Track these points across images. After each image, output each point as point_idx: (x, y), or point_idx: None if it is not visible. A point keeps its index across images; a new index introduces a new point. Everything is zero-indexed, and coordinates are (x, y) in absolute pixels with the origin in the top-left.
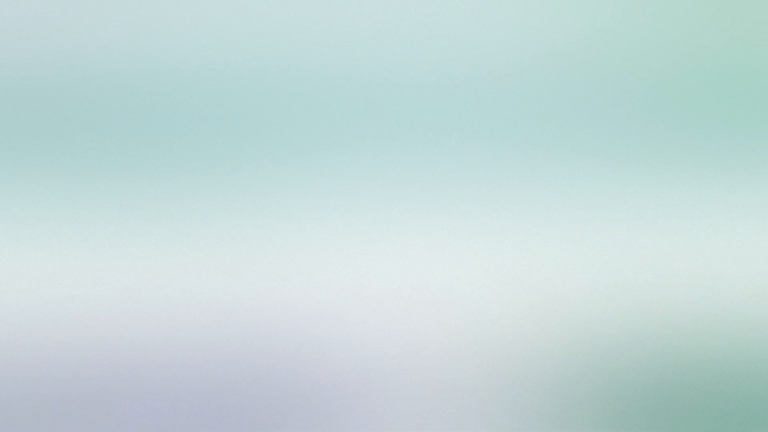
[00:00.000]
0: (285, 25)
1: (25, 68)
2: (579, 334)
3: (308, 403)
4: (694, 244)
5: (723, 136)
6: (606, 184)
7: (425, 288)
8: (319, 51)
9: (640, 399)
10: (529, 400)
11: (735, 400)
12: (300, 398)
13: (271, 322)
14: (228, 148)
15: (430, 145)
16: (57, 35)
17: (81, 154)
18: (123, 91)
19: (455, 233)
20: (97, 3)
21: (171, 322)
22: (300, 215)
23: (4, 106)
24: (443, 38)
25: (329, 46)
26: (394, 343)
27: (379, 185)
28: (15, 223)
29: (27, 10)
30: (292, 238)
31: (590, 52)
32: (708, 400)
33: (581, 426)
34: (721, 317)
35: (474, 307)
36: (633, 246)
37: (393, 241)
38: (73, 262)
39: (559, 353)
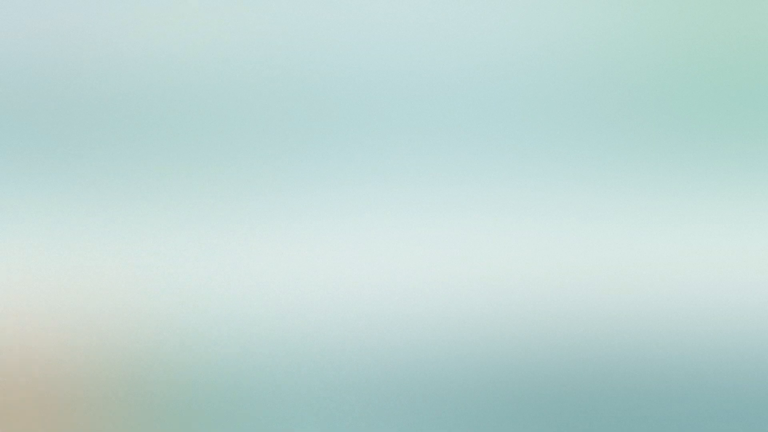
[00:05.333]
0: (285, 26)
1: (25, 68)
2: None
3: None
4: (692, 246)
5: (723, 138)
6: (605, 184)
7: (422, 287)
8: (319, 52)
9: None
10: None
11: (735, 401)
12: (298, 397)
13: (269, 320)
14: (228, 149)
15: (429, 146)
16: (57, 35)
17: (81, 154)
18: (123, 91)
19: (452, 233)
20: (97, 3)
21: (169, 321)
22: (300, 216)
23: (4, 106)
24: (441, 38)
25: (328, 47)
26: (398, 342)
27: (377, 186)
28: (15, 222)
29: (27, 10)
30: (293, 240)
31: (591, 52)
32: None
33: None
34: (717, 318)
35: (474, 305)
36: (629, 246)
37: (391, 241)
38: (73, 261)
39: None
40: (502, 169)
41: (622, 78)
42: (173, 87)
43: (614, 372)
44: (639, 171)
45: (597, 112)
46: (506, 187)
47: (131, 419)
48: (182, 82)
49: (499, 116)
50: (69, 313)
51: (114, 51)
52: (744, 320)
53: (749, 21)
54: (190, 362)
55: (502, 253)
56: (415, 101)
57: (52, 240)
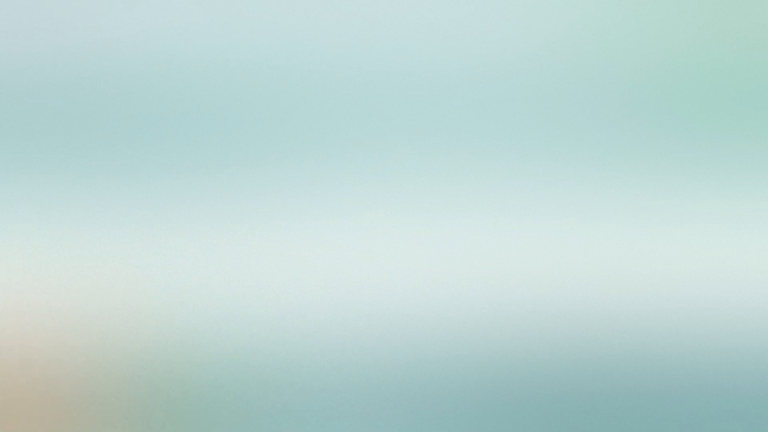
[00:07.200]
0: (285, 26)
1: (25, 68)
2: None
3: (310, 404)
4: (692, 246)
5: (723, 138)
6: (605, 184)
7: (422, 287)
8: (319, 52)
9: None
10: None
11: (735, 401)
12: (298, 397)
13: (269, 320)
14: (228, 149)
15: (429, 146)
16: (57, 35)
17: (81, 154)
18: (123, 91)
19: (452, 233)
20: (97, 3)
21: (169, 321)
22: (300, 216)
23: (4, 106)
24: (441, 38)
25: (328, 47)
26: (398, 341)
27: (377, 186)
28: (15, 222)
29: (27, 10)
30: (293, 240)
31: (591, 52)
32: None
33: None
34: (715, 319)
35: (474, 305)
36: (629, 246)
37: (391, 241)
38: (73, 261)
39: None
40: (502, 169)
41: (622, 78)
42: (173, 87)
43: (614, 372)
44: (639, 171)
45: (597, 112)
46: (506, 187)
47: (131, 419)
48: (182, 82)
49: (499, 116)
50: (69, 313)
51: (114, 51)
52: (744, 320)
53: (749, 21)
54: (190, 362)
55: (502, 253)
56: (415, 101)
57: (52, 240)
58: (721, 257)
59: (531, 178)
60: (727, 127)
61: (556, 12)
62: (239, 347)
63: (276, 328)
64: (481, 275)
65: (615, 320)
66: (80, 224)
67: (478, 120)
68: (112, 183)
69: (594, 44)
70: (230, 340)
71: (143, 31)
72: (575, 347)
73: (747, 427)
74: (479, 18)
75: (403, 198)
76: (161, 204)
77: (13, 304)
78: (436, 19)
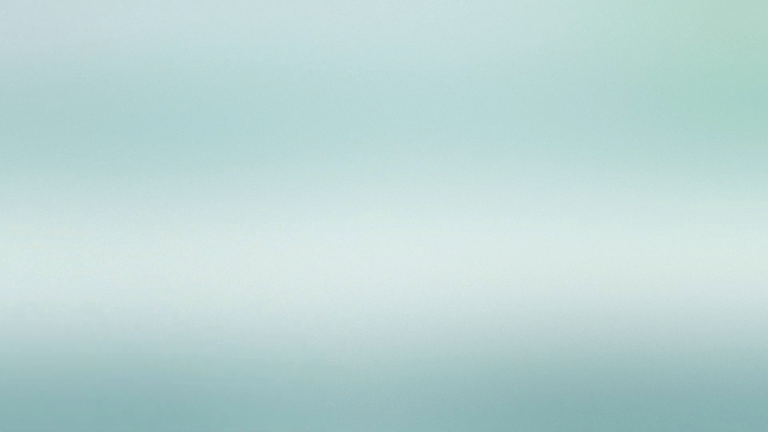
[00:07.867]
0: (285, 26)
1: (25, 68)
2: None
3: (309, 405)
4: (692, 246)
5: (723, 138)
6: (605, 184)
7: (422, 287)
8: (319, 52)
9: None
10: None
11: (735, 401)
12: (299, 397)
13: (269, 320)
14: (228, 149)
15: (429, 146)
16: (57, 35)
17: (81, 154)
18: (123, 91)
19: (452, 233)
20: (97, 3)
21: (169, 321)
22: (300, 216)
23: (4, 106)
24: (441, 38)
25: (328, 47)
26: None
27: (377, 186)
28: (15, 222)
29: (27, 10)
30: (293, 240)
31: (591, 52)
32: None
33: None
34: (718, 319)
35: (474, 305)
36: (629, 246)
37: (391, 241)
38: (73, 261)
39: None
40: (502, 169)
41: (622, 78)
42: (173, 87)
43: (614, 372)
44: (639, 171)
45: (597, 112)
46: (506, 187)
47: (131, 419)
48: (182, 82)
49: (499, 116)
50: (69, 312)
51: (114, 51)
52: (744, 320)
53: (749, 21)
54: (189, 362)
55: (502, 253)
56: (415, 101)
57: (52, 240)
58: (720, 257)
59: (531, 178)
60: (727, 127)
61: (556, 12)
62: (239, 347)
63: (276, 328)
64: (481, 275)
65: (615, 320)
66: (80, 224)
67: (478, 120)
68: (112, 183)
69: (594, 44)
70: (230, 340)
71: (143, 31)
72: (575, 347)
73: (747, 427)
74: (479, 18)
75: (403, 198)
76: (161, 204)
77: (14, 304)
78: (436, 19)
